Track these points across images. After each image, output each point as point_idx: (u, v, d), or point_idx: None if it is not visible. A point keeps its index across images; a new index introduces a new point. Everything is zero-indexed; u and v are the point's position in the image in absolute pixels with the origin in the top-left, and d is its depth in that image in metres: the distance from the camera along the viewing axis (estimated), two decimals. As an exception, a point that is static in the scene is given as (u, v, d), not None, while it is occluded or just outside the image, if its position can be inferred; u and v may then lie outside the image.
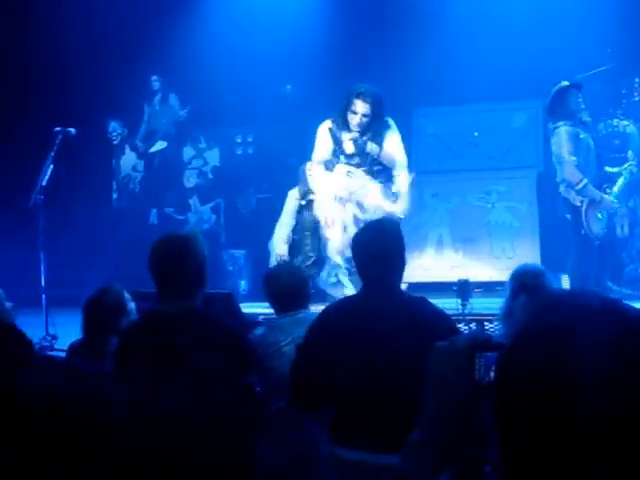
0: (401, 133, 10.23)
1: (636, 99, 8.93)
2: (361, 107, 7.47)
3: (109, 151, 11.96)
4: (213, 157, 11.60)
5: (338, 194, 7.60)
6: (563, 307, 1.20)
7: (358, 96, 7.46)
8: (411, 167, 10.46)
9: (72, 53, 11.13)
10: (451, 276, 8.10)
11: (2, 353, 4.50)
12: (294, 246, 8.00)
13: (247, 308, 7.75)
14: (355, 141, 7.60)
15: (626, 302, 1.22)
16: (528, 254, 8.83)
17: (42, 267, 7.77)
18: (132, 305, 5.02)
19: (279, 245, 8.00)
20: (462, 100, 10.38)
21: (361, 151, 7.64)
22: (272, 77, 10.09)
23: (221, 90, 10.83)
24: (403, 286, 8.66)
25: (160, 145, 11.91)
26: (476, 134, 10.25)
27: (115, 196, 11.90)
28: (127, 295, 5.05)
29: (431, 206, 9.85)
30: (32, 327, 6.96)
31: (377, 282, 3.94)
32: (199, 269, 3.89)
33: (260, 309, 7.28)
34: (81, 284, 8.51)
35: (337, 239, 7.60)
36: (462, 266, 9.38)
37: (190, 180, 11.54)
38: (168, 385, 3.54)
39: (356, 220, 7.52)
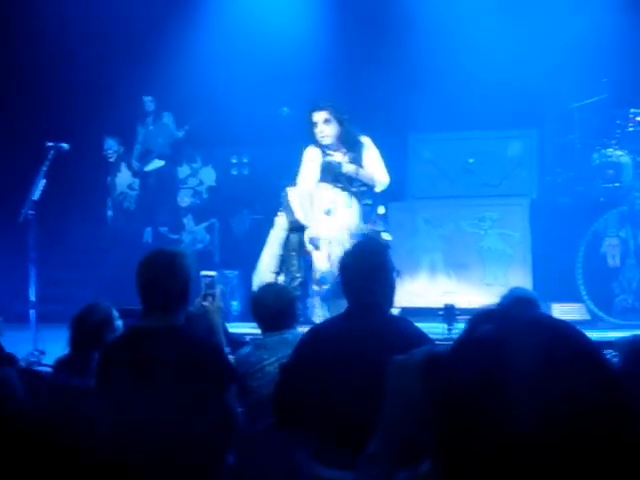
0: (396, 158, 10.31)
1: (631, 129, 8.94)
2: (317, 116, 7.74)
3: (105, 168, 11.96)
4: (208, 177, 11.61)
5: (326, 240, 7.69)
6: (495, 320, 1.22)
7: (313, 109, 7.76)
8: (405, 192, 10.55)
9: (70, 70, 11.17)
10: (443, 302, 8.10)
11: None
12: (280, 266, 8.00)
13: (239, 328, 7.76)
14: (330, 164, 7.72)
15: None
16: (520, 282, 8.79)
17: (32, 282, 7.77)
18: (119, 323, 5.04)
19: (267, 275, 8.00)
20: (458, 127, 10.42)
21: (337, 172, 7.75)
22: (269, 99, 10.12)
23: (218, 111, 10.85)
24: (395, 310, 8.72)
25: (157, 164, 11.91)
26: (471, 160, 10.26)
27: (110, 214, 11.89)
28: (115, 312, 5.07)
29: (424, 231, 9.85)
30: (20, 342, 6.98)
31: (360, 303, 3.97)
32: (183, 286, 3.92)
33: (252, 329, 7.28)
34: (72, 301, 8.52)
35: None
36: (454, 292, 9.37)
37: (185, 199, 11.54)
38: (144, 401, 3.55)
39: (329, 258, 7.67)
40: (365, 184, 7.85)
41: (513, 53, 9.70)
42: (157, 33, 11.07)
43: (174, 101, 11.65)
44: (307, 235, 7.77)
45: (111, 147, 11.90)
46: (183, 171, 11.74)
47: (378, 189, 7.92)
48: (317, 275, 7.70)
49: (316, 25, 10.65)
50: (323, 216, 7.73)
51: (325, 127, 7.72)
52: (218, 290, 4.56)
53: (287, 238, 7.93)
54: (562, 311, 8.56)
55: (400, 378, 1.57)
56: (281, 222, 8.06)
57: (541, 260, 9.25)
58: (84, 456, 3.73)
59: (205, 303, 4.46)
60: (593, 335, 7.40)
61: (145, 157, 11.98)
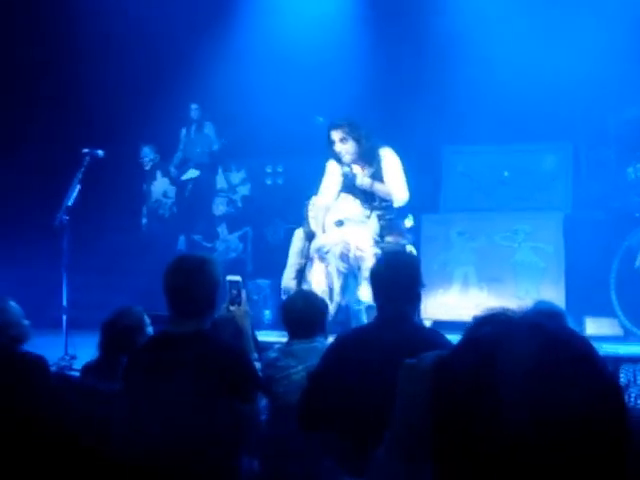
0: (431, 170, 10.31)
1: (667, 144, 8.87)
2: (335, 135, 7.78)
3: (140, 176, 12.04)
4: (243, 186, 11.65)
5: (324, 249, 7.69)
6: (495, 321, 1.24)
7: (330, 128, 7.80)
8: (439, 204, 10.52)
9: (108, 76, 11.27)
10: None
11: (15, 379, 4.58)
12: (301, 275, 8.07)
13: (270, 337, 7.80)
14: (346, 175, 7.77)
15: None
16: (553, 296, 8.73)
17: (64, 288, 7.84)
18: (150, 329, 5.08)
19: (287, 281, 8.12)
20: (494, 139, 10.38)
21: (351, 185, 7.77)
22: (304, 108, 10.14)
23: (253, 120, 10.90)
24: (427, 322, 8.73)
25: (193, 173, 11.98)
26: (506, 174, 10.22)
27: (144, 221, 11.96)
28: (146, 319, 5.11)
29: (457, 244, 9.80)
30: (52, 347, 7.06)
31: (391, 312, 3.98)
32: (210, 291, 3.94)
33: (283, 338, 7.29)
34: (105, 306, 8.59)
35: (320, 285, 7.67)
36: (486, 305, 9.30)
37: (219, 208, 11.59)
38: (169, 405, 3.57)
39: (338, 271, 7.64)
40: (384, 198, 7.86)
41: (549, 65, 9.67)
42: (196, 42, 11.13)
43: (214, 110, 11.72)
44: (313, 245, 7.81)
45: (147, 155, 11.97)
46: (219, 180, 11.79)
47: (396, 204, 7.89)
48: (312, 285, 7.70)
49: (352, 37, 10.68)
50: (333, 227, 7.74)
51: (342, 146, 7.77)
52: (244, 294, 4.56)
53: (308, 248, 7.99)
54: (595, 325, 8.51)
55: (410, 381, 1.58)
56: (300, 232, 8.14)
57: (574, 274, 9.17)
58: (107, 456, 3.76)
59: (232, 308, 4.45)
60: (626, 350, 7.35)
61: (183, 166, 12.05)
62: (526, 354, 1.15)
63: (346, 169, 7.80)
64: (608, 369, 1.20)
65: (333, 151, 7.86)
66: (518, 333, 1.19)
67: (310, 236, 7.97)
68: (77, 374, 6.11)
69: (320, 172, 8.28)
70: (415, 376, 1.55)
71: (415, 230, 8.63)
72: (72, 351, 7.52)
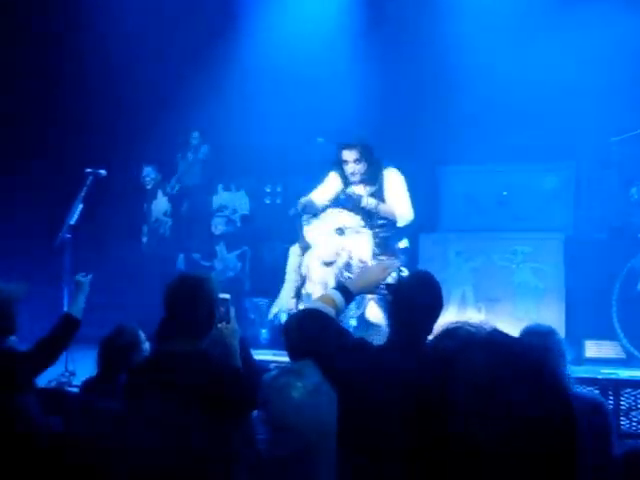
0: (430, 190, 10.28)
1: (671, 164, 8.85)
2: (348, 155, 7.77)
3: (142, 195, 12.05)
4: (242, 205, 11.66)
5: (324, 259, 7.66)
6: (456, 336, 1.30)
7: (344, 147, 7.77)
8: (438, 224, 10.50)
9: (113, 98, 11.34)
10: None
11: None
12: (299, 292, 8.04)
13: (267, 356, 7.81)
14: (350, 196, 7.74)
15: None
16: (552, 317, 8.67)
17: (65, 305, 7.84)
18: (146, 345, 5.10)
19: (287, 300, 8.08)
20: (493, 159, 10.36)
21: (356, 206, 7.74)
22: (303, 128, 10.15)
23: (253, 139, 10.91)
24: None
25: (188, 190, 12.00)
26: (505, 193, 10.20)
27: (145, 240, 11.97)
28: (142, 335, 5.13)
29: (455, 264, 9.76)
30: (51, 364, 7.02)
31: (408, 336, 3.90)
32: (209, 310, 3.93)
33: (279, 357, 7.29)
34: (105, 323, 8.58)
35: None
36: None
37: (218, 227, 11.59)
38: (167, 424, 3.55)
39: (338, 280, 7.56)
40: (385, 217, 7.84)
41: (551, 85, 9.68)
42: (196, 64, 11.21)
43: (212, 131, 11.73)
44: (315, 256, 7.77)
45: (149, 174, 11.99)
46: (218, 199, 11.78)
47: (400, 224, 7.88)
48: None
49: (351, 57, 10.72)
50: (334, 235, 7.71)
51: (355, 166, 7.77)
52: (232, 312, 4.51)
53: (303, 264, 7.97)
54: (595, 348, 8.47)
55: None
56: (296, 248, 8.12)
57: (575, 296, 9.09)
58: (105, 473, 3.75)
59: (220, 325, 4.40)
60: (627, 374, 7.32)
61: (179, 184, 12.08)
62: (479, 366, 1.21)
63: (350, 190, 7.79)
64: (561, 381, 1.26)
65: (343, 170, 7.85)
66: (473, 346, 1.25)
67: (304, 251, 7.95)
68: (76, 390, 6.11)
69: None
70: None
71: (413, 249, 8.61)
72: (72, 367, 7.53)
